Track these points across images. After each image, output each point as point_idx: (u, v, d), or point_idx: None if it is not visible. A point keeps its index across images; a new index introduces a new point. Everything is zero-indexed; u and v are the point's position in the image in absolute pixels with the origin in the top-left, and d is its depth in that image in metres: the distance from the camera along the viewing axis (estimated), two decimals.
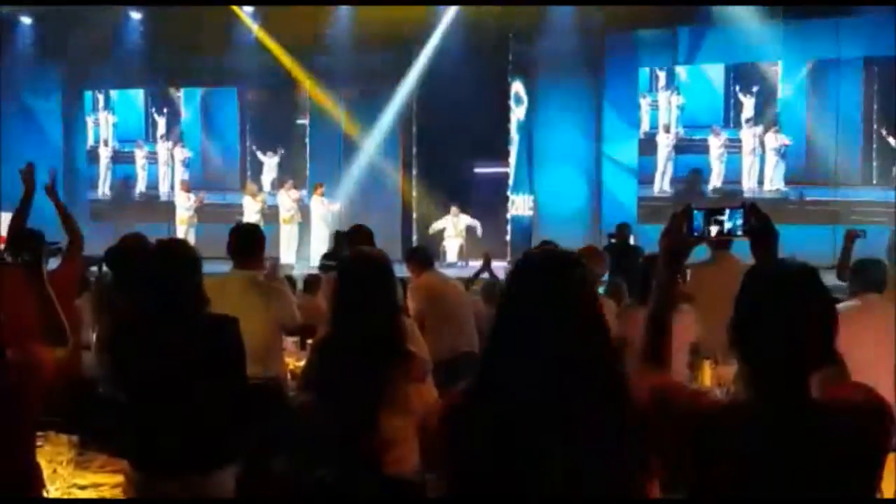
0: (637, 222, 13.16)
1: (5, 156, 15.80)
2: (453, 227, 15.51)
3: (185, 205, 15.76)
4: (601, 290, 7.12)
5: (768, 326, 1.84)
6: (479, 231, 15.39)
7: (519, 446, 1.80)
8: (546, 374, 1.80)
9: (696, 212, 2.12)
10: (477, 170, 16.72)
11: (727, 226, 2.11)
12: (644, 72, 15.25)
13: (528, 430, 1.79)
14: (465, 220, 15.54)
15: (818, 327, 1.85)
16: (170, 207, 16.49)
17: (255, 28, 16.23)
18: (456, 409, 1.91)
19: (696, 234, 2.12)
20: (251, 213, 14.90)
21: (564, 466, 1.78)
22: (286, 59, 16.13)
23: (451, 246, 15.49)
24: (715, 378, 4.86)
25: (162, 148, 17.64)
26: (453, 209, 15.50)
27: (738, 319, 1.89)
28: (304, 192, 15.66)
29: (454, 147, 15.52)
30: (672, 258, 2.16)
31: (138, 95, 17.70)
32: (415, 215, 16.49)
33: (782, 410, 1.82)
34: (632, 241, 10.28)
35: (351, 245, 5.11)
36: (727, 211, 2.11)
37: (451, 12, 15.44)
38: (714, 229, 2.12)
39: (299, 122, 16.90)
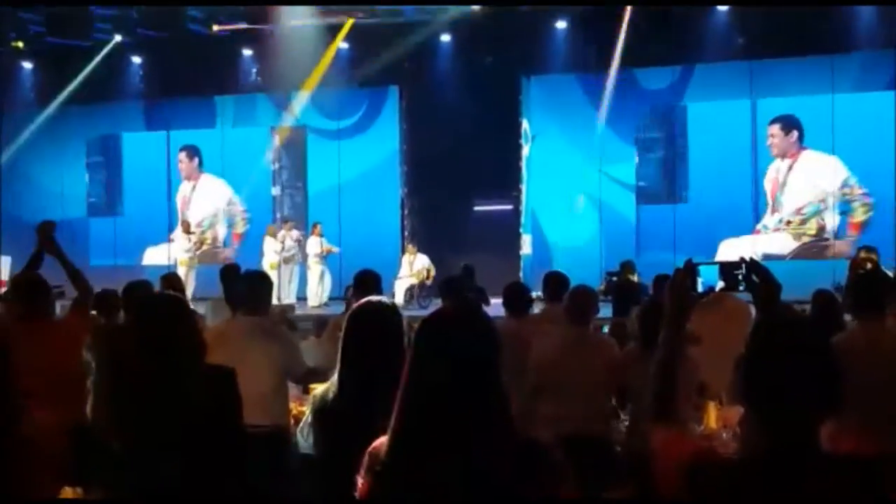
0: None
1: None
2: (408, 266, 14.38)
3: (185, 246, 15.39)
4: (604, 329, 7.15)
5: (777, 378, 1.84)
6: (433, 273, 14.12)
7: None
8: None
9: (698, 267, 2.16)
10: (477, 207, 16.11)
11: (725, 282, 2.18)
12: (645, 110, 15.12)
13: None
14: (423, 260, 14.36)
15: (825, 378, 1.85)
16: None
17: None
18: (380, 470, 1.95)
19: (701, 289, 2.16)
20: (271, 252, 14.73)
21: None
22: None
23: (400, 286, 14.23)
24: (720, 419, 4.84)
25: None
26: (409, 247, 14.62)
27: (747, 371, 1.90)
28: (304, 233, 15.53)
29: (452, 185, 15.19)
30: (678, 313, 2.18)
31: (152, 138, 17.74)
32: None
33: (792, 462, 1.82)
34: (634, 278, 10.19)
35: (357, 292, 5.09)
36: (728, 267, 2.18)
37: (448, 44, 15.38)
38: (717, 284, 2.17)
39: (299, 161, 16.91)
